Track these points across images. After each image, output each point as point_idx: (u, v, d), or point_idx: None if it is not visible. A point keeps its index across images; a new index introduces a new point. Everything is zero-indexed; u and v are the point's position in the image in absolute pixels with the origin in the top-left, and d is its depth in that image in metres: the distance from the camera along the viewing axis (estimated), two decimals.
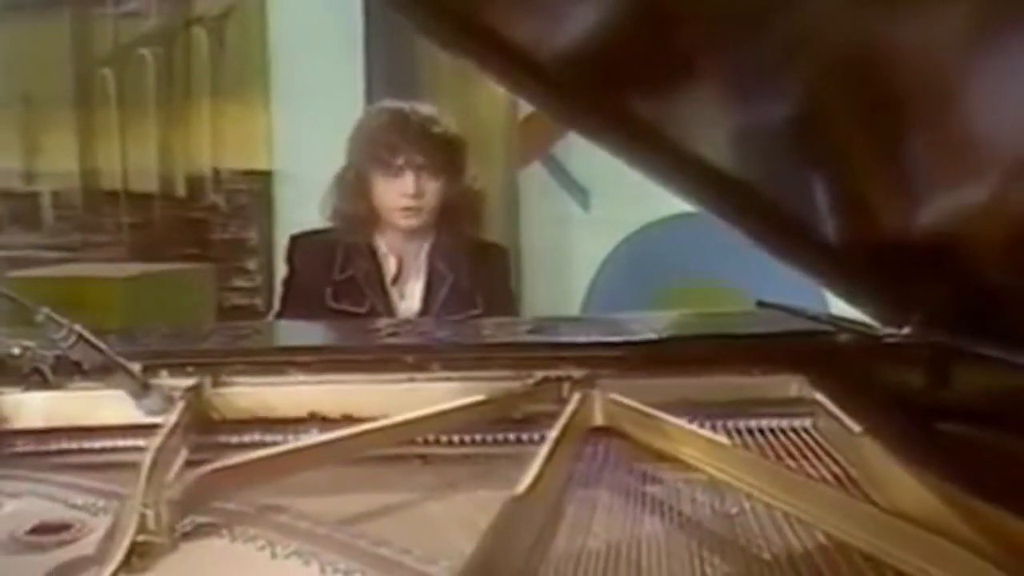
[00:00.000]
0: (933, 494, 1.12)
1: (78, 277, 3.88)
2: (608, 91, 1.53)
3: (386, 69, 3.97)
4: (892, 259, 1.43)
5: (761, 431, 1.45)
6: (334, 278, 2.31)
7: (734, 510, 1.22)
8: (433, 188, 2.27)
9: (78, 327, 1.24)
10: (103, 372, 1.28)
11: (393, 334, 1.83)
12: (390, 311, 2.30)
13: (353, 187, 2.34)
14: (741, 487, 1.24)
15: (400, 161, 2.25)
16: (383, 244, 2.35)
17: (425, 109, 2.38)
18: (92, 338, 1.25)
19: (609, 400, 1.46)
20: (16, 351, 1.35)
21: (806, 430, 1.44)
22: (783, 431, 1.45)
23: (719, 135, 1.54)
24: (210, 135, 4.45)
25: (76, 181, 4.55)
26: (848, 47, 1.23)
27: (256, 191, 4.45)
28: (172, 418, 1.33)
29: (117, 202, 4.56)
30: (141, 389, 1.28)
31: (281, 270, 4.43)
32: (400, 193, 2.27)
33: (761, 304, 1.81)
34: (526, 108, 3.95)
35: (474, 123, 3.69)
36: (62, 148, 4.50)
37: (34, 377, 1.45)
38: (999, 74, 1.11)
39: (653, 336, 1.73)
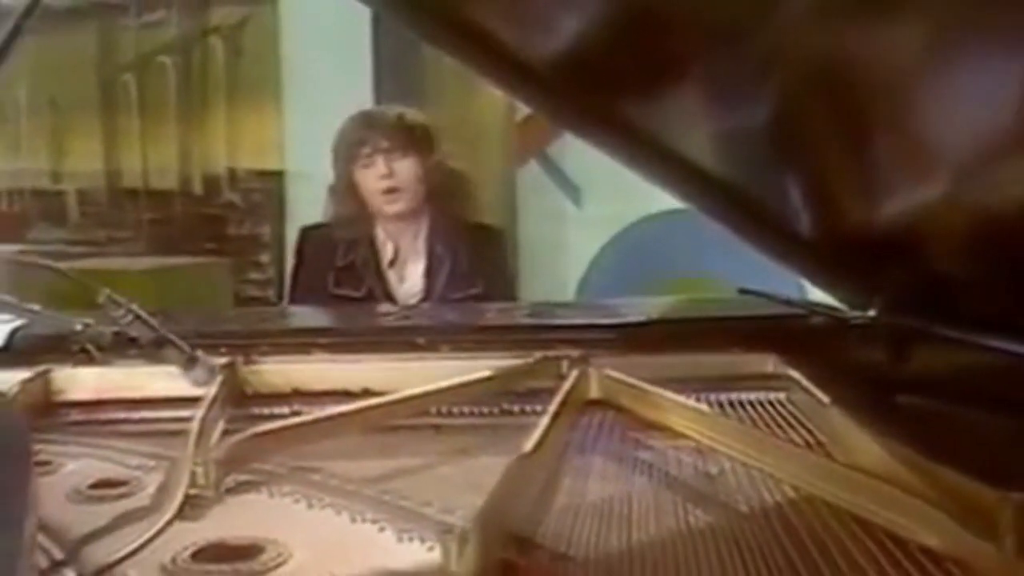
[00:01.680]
0: (892, 455, 1.26)
1: (102, 270, 4.03)
2: (599, 95, 1.67)
3: (393, 75, 4.12)
4: (858, 250, 1.58)
5: (741, 403, 1.59)
6: (336, 264, 2.46)
7: (715, 470, 1.36)
8: (404, 166, 2.44)
9: (135, 306, 1.39)
10: (156, 346, 1.43)
11: (406, 317, 1.98)
12: (387, 294, 2.45)
13: (343, 190, 2.50)
14: (722, 450, 1.39)
15: (368, 149, 2.43)
16: (381, 232, 2.50)
17: (391, 109, 2.56)
18: (147, 316, 1.40)
19: (604, 376, 1.60)
20: (79, 327, 1.50)
21: (780, 403, 1.59)
22: (760, 403, 1.59)
23: (702, 136, 1.68)
24: (226, 137, 4.61)
25: (100, 180, 4.71)
26: (818, 61, 1.37)
27: (269, 189, 4.62)
28: (212, 391, 1.48)
29: (138, 200, 4.72)
30: (189, 362, 1.43)
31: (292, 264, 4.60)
32: (376, 178, 2.43)
33: (742, 291, 1.95)
34: (523, 110, 4.10)
35: (475, 124, 3.85)
36: (87, 149, 4.66)
37: (80, 355, 1.60)
38: (951, 87, 1.26)
39: (643, 319, 1.88)
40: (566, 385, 1.54)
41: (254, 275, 4.64)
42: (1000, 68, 1.18)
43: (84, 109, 4.65)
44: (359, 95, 4.17)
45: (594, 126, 1.75)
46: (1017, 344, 1.36)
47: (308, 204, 4.57)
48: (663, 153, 1.68)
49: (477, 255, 2.47)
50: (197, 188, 4.69)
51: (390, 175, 2.42)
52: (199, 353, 1.44)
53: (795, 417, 1.52)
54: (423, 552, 1.11)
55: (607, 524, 1.21)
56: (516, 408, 1.62)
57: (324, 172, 4.29)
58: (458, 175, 2.58)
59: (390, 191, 2.43)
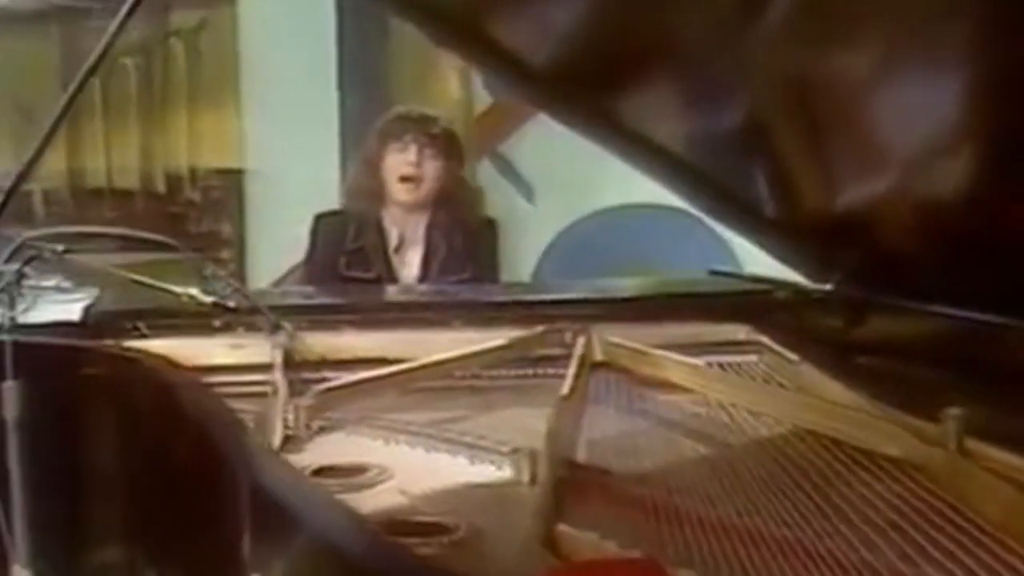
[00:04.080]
0: (847, 398, 1.56)
1: None
2: (590, 93, 1.90)
3: (357, 72, 4.35)
4: (819, 232, 1.86)
5: (720, 365, 1.84)
6: (346, 248, 2.71)
7: (704, 412, 1.65)
8: (432, 165, 2.68)
9: (233, 280, 1.64)
10: (249, 313, 1.67)
11: (424, 294, 2.24)
12: (392, 277, 2.71)
13: (369, 164, 2.74)
14: (710, 396, 1.68)
15: (408, 137, 2.67)
16: (387, 219, 2.74)
17: (432, 112, 2.82)
18: (243, 289, 1.65)
19: (606, 341, 1.87)
20: (185, 298, 1.74)
21: (754, 364, 1.87)
22: (736, 365, 1.86)
23: (683, 131, 1.94)
24: (186, 137, 4.75)
25: (65, 180, 4.83)
26: (785, 71, 1.64)
27: (229, 188, 4.77)
28: (277, 358, 1.73)
29: (102, 198, 4.84)
30: (274, 328, 1.68)
31: (252, 261, 4.78)
32: (404, 162, 2.67)
33: (712, 272, 2.24)
34: (479, 108, 4.35)
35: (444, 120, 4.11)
36: (52, 150, 4.77)
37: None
38: (898, 95, 1.55)
39: (632, 294, 2.15)
40: (578, 349, 1.81)
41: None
42: (939, 80, 1.47)
43: (48, 111, 4.78)
44: (321, 95, 4.40)
45: (585, 121, 1.99)
46: (954, 309, 1.64)
47: (267, 201, 4.78)
48: (647, 145, 1.92)
49: (471, 244, 2.73)
50: (159, 187, 4.82)
51: (417, 164, 2.67)
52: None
53: (767, 375, 1.81)
54: (494, 471, 1.39)
55: (627, 451, 1.48)
56: (530, 371, 1.88)
57: (281, 171, 4.53)
58: (470, 188, 2.84)
59: (409, 179, 2.67)
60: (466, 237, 2.70)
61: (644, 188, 4.14)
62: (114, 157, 4.81)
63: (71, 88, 1.94)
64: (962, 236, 1.59)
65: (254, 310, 1.66)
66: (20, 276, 1.63)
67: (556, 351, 1.90)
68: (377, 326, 1.98)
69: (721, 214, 2.01)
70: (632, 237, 4.20)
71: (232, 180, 4.80)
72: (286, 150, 4.51)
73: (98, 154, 4.80)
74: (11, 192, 1.88)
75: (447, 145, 2.70)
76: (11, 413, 1.56)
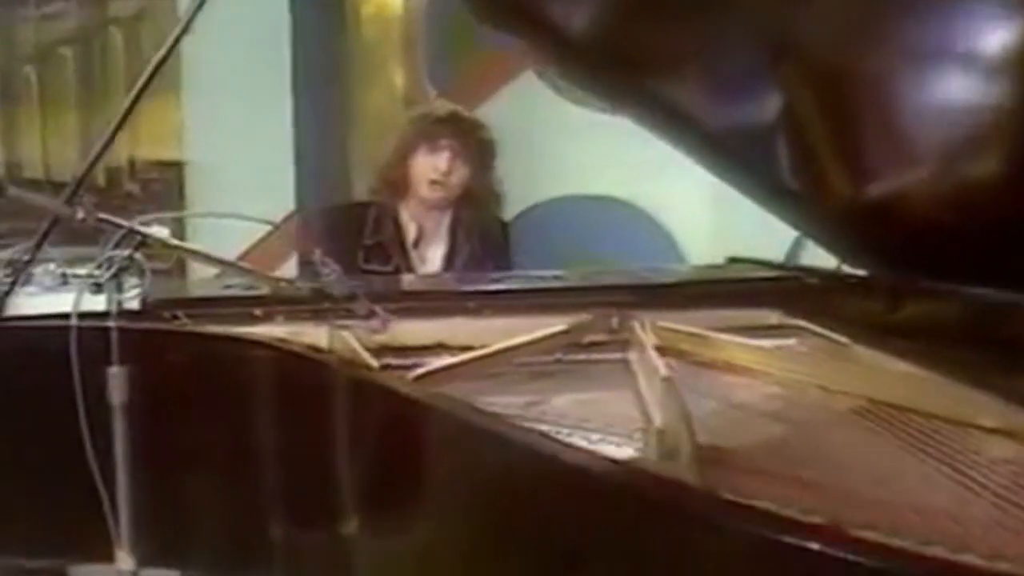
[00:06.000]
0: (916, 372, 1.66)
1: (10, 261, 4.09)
2: (631, 69, 1.98)
3: (310, 67, 4.36)
4: (855, 220, 1.96)
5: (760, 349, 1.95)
6: (364, 242, 2.75)
7: (769, 390, 1.74)
8: (461, 172, 2.74)
9: (336, 266, 1.69)
10: (347, 299, 1.72)
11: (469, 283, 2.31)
12: (411, 271, 2.76)
13: (398, 155, 2.78)
14: (771, 373, 1.77)
15: (443, 142, 2.72)
16: (405, 213, 2.80)
17: (479, 119, 2.87)
18: (341, 274, 1.70)
19: (658, 326, 1.95)
20: (283, 284, 1.79)
21: (796, 347, 1.97)
22: (776, 348, 1.95)
23: (722, 113, 2.01)
24: (126, 128, 4.69)
25: (0, 171, 4.73)
26: (825, 53, 1.74)
27: (168, 180, 4.73)
28: (355, 344, 1.78)
29: (40, 190, 4.75)
30: (369, 313, 1.73)
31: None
32: (433, 167, 2.72)
33: (732, 259, 2.34)
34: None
35: (388, 113, 4.16)
36: None
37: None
38: (936, 75, 1.67)
39: (662, 281, 2.24)
40: (638, 333, 1.89)
41: (155, 264, 4.75)
42: (975, 61, 1.59)
43: None
44: (274, 85, 4.39)
45: (628, 99, 2.09)
46: (994, 290, 1.75)
47: (208, 194, 4.75)
48: (686, 125, 2.02)
49: (489, 244, 2.81)
50: (98, 179, 4.76)
51: (447, 172, 2.72)
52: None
53: (810, 356, 1.91)
54: (615, 449, 1.46)
55: (719, 429, 1.54)
56: (582, 356, 1.96)
57: (221, 163, 4.51)
58: (492, 192, 2.89)
59: (435, 183, 2.72)
60: (484, 237, 2.78)
61: (586, 179, 4.28)
62: (52, 149, 4.72)
63: (143, 77, 1.96)
64: (1000, 217, 1.70)
65: (351, 296, 1.71)
66: (130, 262, 1.66)
67: (603, 336, 1.99)
68: (425, 314, 2.04)
69: (757, 196, 2.08)
70: (576, 228, 4.30)
71: (172, 172, 4.76)
72: (228, 141, 4.50)
73: (36, 146, 4.71)
74: (82, 178, 1.91)
75: (480, 152, 2.76)
76: (118, 398, 1.60)
